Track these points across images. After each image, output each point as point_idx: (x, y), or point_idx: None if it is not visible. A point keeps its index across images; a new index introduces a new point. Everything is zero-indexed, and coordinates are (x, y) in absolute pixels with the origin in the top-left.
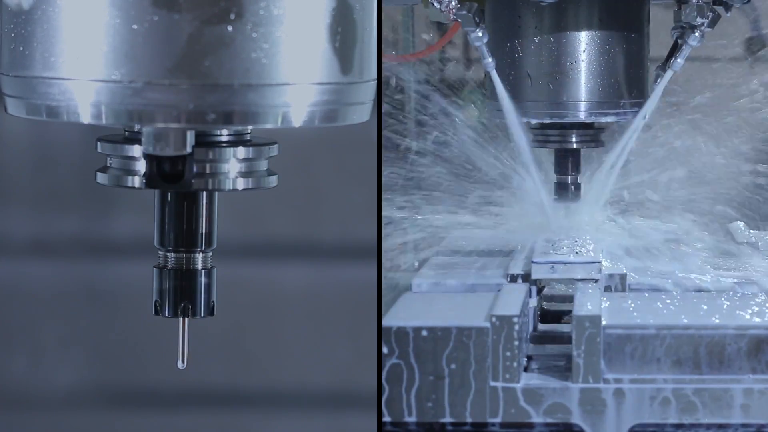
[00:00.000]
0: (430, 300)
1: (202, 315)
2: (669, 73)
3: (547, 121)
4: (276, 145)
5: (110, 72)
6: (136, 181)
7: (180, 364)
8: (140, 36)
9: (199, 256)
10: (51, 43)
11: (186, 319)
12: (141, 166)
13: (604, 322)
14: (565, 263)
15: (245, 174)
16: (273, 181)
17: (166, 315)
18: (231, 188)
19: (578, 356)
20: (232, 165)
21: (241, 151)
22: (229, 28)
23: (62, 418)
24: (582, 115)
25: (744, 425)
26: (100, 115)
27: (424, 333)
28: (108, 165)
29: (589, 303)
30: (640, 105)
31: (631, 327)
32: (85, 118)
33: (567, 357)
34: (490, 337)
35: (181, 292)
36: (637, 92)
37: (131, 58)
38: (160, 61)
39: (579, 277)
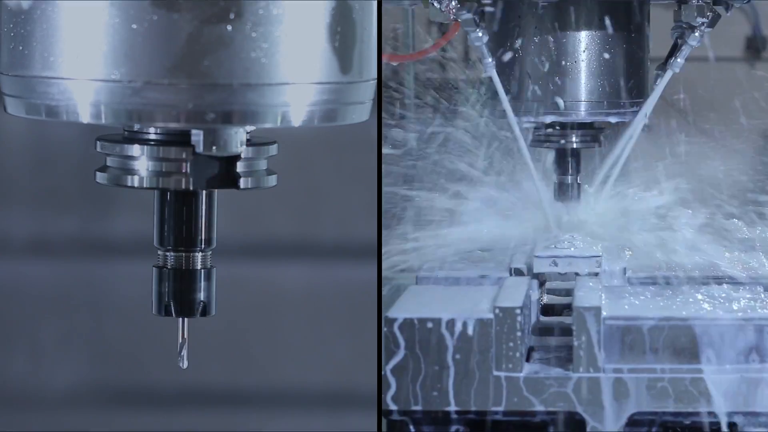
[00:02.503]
0: (435, 293)
1: (202, 315)
2: (669, 73)
3: (548, 120)
4: (275, 145)
5: (109, 71)
6: (136, 181)
7: (180, 364)
8: (139, 35)
9: (199, 256)
10: (50, 42)
11: (186, 318)
12: (140, 165)
13: (604, 314)
14: (566, 257)
15: (245, 173)
16: (272, 180)
17: (166, 315)
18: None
19: (579, 347)
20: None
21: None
22: (229, 27)
23: (62, 418)
24: (582, 115)
25: (737, 413)
26: (99, 115)
27: (429, 324)
28: (107, 164)
29: (589, 295)
30: (640, 105)
31: (630, 318)
32: (85, 117)
33: (568, 348)
34: (494, 328)
35: (181, 292)
36: (637, 92)
37: (130, 57)
38: (160, 60)
39: (580, 271)
